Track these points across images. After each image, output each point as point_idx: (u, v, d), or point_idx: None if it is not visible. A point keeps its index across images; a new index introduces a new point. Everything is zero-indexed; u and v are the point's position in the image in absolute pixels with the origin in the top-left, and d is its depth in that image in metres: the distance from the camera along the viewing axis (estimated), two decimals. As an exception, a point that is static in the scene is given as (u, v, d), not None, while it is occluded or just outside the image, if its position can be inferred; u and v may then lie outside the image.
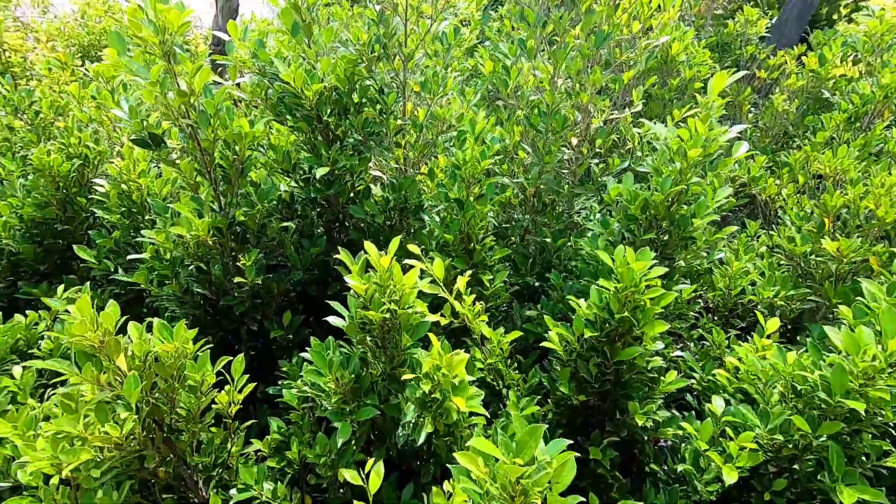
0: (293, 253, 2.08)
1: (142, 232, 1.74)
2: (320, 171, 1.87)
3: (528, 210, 2.59)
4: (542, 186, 2.44)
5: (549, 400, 1.80)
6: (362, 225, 2.30)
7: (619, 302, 1.51)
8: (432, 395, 1.37)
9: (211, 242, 1.68)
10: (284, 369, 1.94)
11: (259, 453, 1.70)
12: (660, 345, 1.52)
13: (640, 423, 1.48)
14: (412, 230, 2.25)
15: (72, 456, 1.13)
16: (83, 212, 2.36)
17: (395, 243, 1.46)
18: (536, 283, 2.47)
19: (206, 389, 1.34)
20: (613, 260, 1.53)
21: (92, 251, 2.23)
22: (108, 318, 1.18)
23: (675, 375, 1.64)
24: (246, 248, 1.86)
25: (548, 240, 2.50)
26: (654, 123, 2.00)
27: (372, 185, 2.30)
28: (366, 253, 1.50)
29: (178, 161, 1.81)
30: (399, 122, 2.00)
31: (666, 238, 1.94)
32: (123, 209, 2.11)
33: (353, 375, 1.44)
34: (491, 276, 2.06)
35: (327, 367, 1.43)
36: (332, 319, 1.54)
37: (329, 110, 1.97)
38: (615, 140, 2.76)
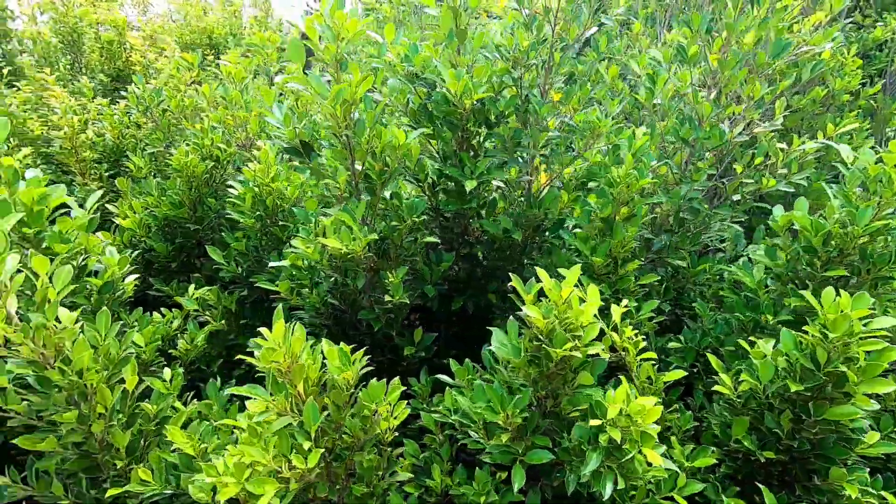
0: (424, 267, 2.00)
1: (291, 242, 1.71)
2: (470, 185, 1.78)
3: (659, 230, 2.41)
4: (682, 206, 2.25)
5: (712, 448, 1.62)
6: (485, 238, 2.20)
7: (826, 352, 1.33)
8: (621, 446, 1.24)
9: (362, 256, 1.62)
10: (415, 389, 1.87)
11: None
12: (875, 405, 1.32)
13: (852, 494, 1.29)
14: (543, 247, 2.12)
15: (259, 487, 1.08)
16: (212, 212, 2.38)
17: (575, 271, 1.34)
18: (667, 310, 2.28)
19: (376, 418, 1.27)
20: (821, 303, 1.35)
21: (221, 252, 2.24)
22: (297, 342, 1.13)
23: (878, 437, 1.43)
24: (387, 262, 1.80)
25: (681, 263, 2.30)
26: (840, 145, 1.78)
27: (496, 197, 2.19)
28: (538, 280, 1.39)
29: (324, 171, 1.76)
30: (550, 133, 1.87)
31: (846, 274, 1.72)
32: (258, 213, 2.10)
33: (524, 414, 1.33)
34: (636, 304, 1.90)
35: (499, 401, 1.33)
36: (495, 348, 1.44)
37: (474, 119, 1.87)
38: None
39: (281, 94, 2.90)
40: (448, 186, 2.05)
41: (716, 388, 1.56)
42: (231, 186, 2.23)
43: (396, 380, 1.46)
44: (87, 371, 1.31)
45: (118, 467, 1.40)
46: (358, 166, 1.72)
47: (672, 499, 1.43)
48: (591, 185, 2.22)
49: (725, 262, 2.32)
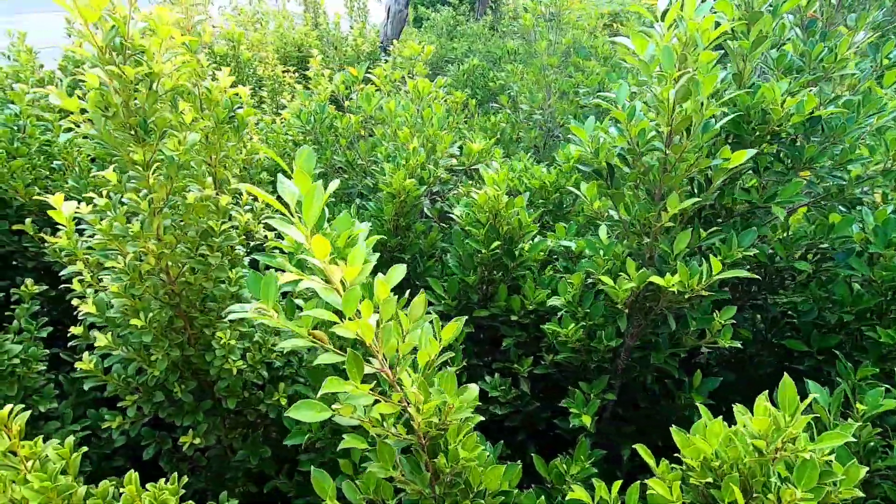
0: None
1: (601, 280, 1.50)
2: (779, 211, 1.57)
3: None
4: None
5: None
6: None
7: None
8: None
9: (704, 292, 1.41)
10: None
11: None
12: None
13: None
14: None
15: None
16: (416, 238, 2.19)
17: None
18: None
19: None
20: None
21: (439, 283, 2.04)
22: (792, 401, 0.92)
23: None
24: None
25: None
26: None
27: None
28: None
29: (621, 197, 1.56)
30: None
31: None
32: (496, 242, 1.90)
33: None
34: None
35: None
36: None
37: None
38: None
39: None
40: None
41: None
42: (446, 212, 2.04)
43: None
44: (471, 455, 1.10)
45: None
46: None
47: None
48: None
49: None
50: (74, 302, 1.47)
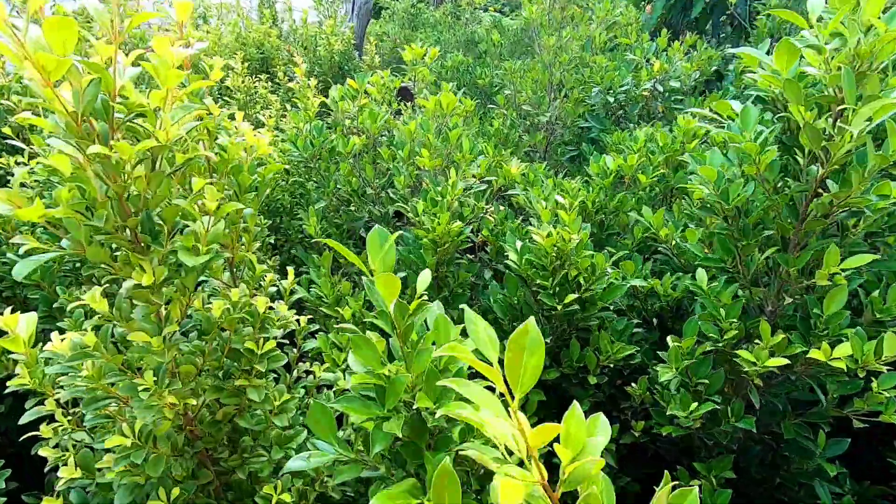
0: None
1: (739, 356, 1.20)
2: None
3: None
4: None
5: None
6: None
7: None
8: None
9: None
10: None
11: None
12: None
13: None
14: None
15: None
16: (458, 287, 1.84)
17: None
18: None
19: None
20: None
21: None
22: None
23: None
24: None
25: None
26: None
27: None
28: None
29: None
30: None
31: None
32: (570, 296, 1.58)
33: None
34: None
35: None
36: None
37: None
38: None
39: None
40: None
41: None
42: (503, 256, 1.70)
43: None
44: None
45: None
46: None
47: None
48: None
49: None
50: (43, 452, 1.04)
